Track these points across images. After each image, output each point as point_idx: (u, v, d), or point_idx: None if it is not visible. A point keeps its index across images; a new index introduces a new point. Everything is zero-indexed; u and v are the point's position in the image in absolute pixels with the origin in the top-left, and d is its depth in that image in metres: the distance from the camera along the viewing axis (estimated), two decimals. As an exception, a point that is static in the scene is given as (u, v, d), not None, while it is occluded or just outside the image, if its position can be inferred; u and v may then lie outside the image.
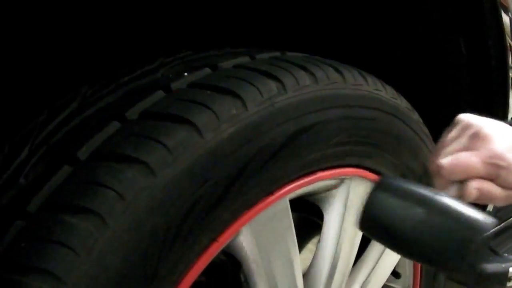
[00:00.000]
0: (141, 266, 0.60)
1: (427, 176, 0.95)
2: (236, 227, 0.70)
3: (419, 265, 1.12)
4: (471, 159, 0.74)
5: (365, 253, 1.00)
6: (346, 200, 0.86)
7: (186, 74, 0.71)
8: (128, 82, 0.74)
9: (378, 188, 0.67)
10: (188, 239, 0.64)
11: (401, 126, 0.92)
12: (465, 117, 0.80)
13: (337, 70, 0.79)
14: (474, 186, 0.74)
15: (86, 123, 0.68)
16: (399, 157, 0.94)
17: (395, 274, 1.11)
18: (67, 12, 0.90)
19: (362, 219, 0.66)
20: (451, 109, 1.25)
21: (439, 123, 1.27)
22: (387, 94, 0.88)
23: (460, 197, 0.73)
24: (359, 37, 1.20)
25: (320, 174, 0.79)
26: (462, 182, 0.73)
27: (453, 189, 0.74)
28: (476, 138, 0.75)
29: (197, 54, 0.80)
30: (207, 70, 0.72)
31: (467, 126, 0.78)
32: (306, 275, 0.89)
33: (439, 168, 0.75)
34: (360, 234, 0.92)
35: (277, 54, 0.80)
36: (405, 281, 1.13)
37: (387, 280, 1.11)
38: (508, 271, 1.34)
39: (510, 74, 1.18)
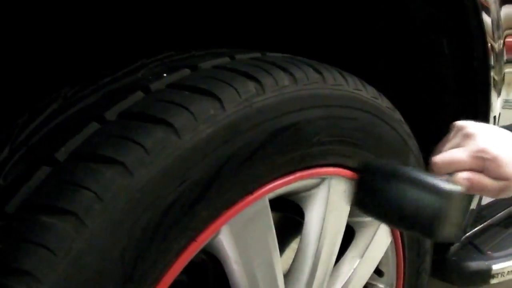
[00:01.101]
0: (119, 265, 0.61)
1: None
2: (215, 227, 0.70)
3: (402, 263, 1.13)
4: (458, 153, 0.88)
5: (347, 252, 1.01)
6: (327, 199, 0.87)
7: (165, 75, 0.72)
8: (108, 83, 0.74)
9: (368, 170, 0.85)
10: (167, 238, 0.64)
11: (382, 125, 0.93)
12: (460, 122, 0.94)
13: (316, 71, 0.80)
14: (463, 177, 0.86)
15: (66, 124, 0.68)
16: (380, 156, 0.94)
17: (378, 272, 1.12)
18: (50, 14, 0.90)
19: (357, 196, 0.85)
20: (436, 110, 1.26)
21: (425, 124, 1.30)
22: (367, 94, 0.89)
23: (455, 182, 0.85)
24: (343, 38, 1.21)
25: (300, 174, 0.80)
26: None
27: (445, 178, 0.86)
28: (465, 137, 0.89)
29: (178, 55, 0.81)
30: (186, 71, 0.73)
31: (460, 128, 0.92)
32: (287, 274, 0.89)
33: (433, 164, 0.89)
34: (341, 232, 0.93)
35: (257, 54, 0.81)
36: (388, 279, 1.14)
37: (370, 278, 1.12)
38: (491, 268, 1.36)
39: (492, 74, 1.19)
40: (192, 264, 0.81)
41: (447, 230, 0.78)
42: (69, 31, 0.96)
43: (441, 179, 0.80)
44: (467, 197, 0.87)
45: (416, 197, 0.78)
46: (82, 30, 0.96)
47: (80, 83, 0.78)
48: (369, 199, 0.86)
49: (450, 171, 0.88)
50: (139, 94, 0.69)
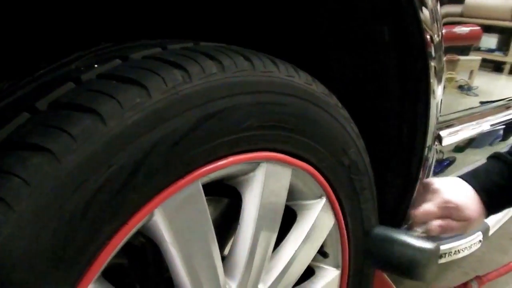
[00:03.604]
0: (49, 248, 0.64)
1: (347, 156, 1.00)
2: (147, 210, 0.73)
3: (347, 244, 1.17)
4: (430, 207, 1.20)
5: (289, 235, 1.05)
6: (263, 183, 0.90)
7: (96, 65, 0.74)
8: (42, 75, 0.77)
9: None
10: (96, 221, 0.67)
11: (317, 110, 0.96)
12: (428, 180, 1.29)
13: (246, 58, 0.83)
14: (436, 224, 1.18)
15: (-1, 115, 0.71)
16: (317, 141, 0.98)
17: (323, 254, 1.16)
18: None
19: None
20: (380, 97, 1.30)
21: (371, 111, 1.34)
22: (300, 79, 0.93)
23: (428, 233, 1.18)
24: (290, 30, 1.24)
25: (233, 158, 0.83)
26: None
27: (423, 228, 1.19)
28: (433, 192, 1.21)
29: (113, 47, 0.84)
30: (117, 62, 0.76)
31: (429, 185, 1.25)
32: (226, 259, 0.93)
33: (413, 216, 1.22)
34: (279, 216, 0.97)
35: (190, 44, 0.84)
36: (334, 260, 1.18)
37: (316, 260, 1.16)
38: (439, 249, 1.42)
39: (432, 63, 1.23)
40: (132, 248, 0.85)
41: (426, 273, 1.01)
42: (11, 25, 0.98)
43: (419, 238, 1.05)
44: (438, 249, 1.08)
45: (402, 253, 1.03)
46: (24, 24, 0.98)
47: (17, 76, 0.80)
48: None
49: (425, 221, 1.19)
50: (70, 85, 0.72)
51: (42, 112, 0.68)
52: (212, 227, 0.84)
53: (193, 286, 0.84)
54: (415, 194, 1.39)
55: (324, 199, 1.08)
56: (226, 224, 1.04)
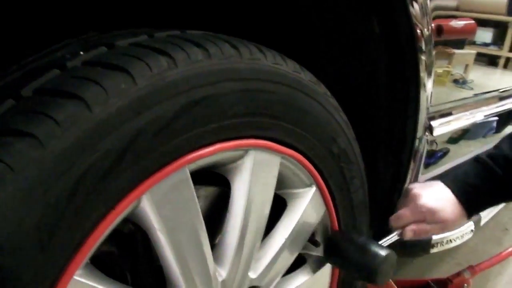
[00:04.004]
0: (35, 235, 0.64)
1: (337, 144, 1.00)
2: (134, 196, 0.74)
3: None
4: (403, 212, 1.29)
5: (279, 223, 1.05)
6: (252, 171, 0.91)
7: (82, 53, 0.75)
8: (29, 62, 0.77)
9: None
10: (83, 207, 0.68)
11: (304, 98, 0.97)
12: (411, 185, 1.37)
13: (233, 46, 0.83)
14: (408, 229, 1.27)
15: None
16: (305, 129, 0.98)
17: (314, 242, 1.16)
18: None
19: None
20: (370, 90, 1.31)
21: (362, 104, 1.34)
22: (288, 68, 0.93)
23: (403, 237, 1.28)
24: (274, 19, 1.24)
25: (220, 145, 0.83)
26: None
27: (398, 233, 1.28)
28: (411, 197, 1.30)
29: (100, 35, 0.84)
30: (103, 49, 0.76)
31: (408, 190, 1.34)
32: (215, 246, 0.93)
33: (390, 221, 1.30)
34: (269, 203, 0.97)
35: (176, 32, 0.84)
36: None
37: (307, 249, 1.16)
38: (431, 238, 1.43)
39: (423, 58, 1.24)
40: (122, 236, 0.85)
41: (377, 277, 1.06)
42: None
43: (377, 245, 1.10)
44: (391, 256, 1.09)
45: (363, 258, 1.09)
46: (12, 13, 0.99)
47: (6, 64, 0.80)
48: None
49: (401, 226, 1.28)
50: (56, 72, 0.72)
51: (26, 98, 0.68)
52: (201, 215, 0.84)
53: (183, 274, 0.85)
54: (406, 185, 1.40)
55: (314, 188, 1.08)
56: (217, 213, 1.04)
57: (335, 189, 1.11)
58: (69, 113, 0.66)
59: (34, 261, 0.64)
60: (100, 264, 0.80)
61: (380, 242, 1.23)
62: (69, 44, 0.82)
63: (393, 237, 1.27)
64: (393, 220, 1.29)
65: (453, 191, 1.26)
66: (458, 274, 1.74)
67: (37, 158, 0.63)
